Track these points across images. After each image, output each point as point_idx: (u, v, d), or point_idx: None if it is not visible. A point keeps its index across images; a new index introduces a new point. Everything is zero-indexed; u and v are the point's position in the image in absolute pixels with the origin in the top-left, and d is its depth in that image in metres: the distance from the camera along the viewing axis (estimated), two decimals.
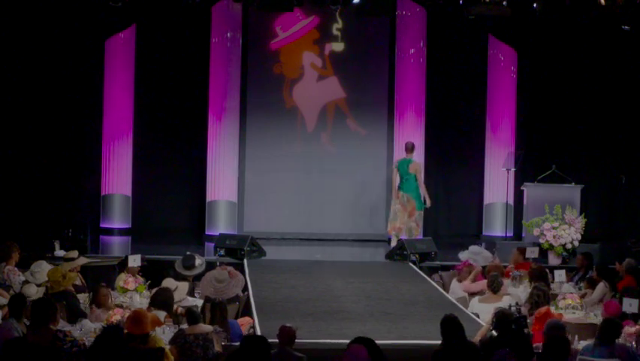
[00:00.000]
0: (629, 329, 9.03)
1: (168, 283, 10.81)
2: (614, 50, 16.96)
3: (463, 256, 13.19)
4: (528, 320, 9.47)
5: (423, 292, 12.09)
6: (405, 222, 15.07)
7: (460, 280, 12.28)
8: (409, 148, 15.18)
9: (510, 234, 16.23)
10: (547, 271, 12.52)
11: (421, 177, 15.19)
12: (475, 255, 13.06)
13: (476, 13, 15.12)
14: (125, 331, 7.93)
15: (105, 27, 16.39)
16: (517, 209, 16.34)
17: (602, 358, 8.07)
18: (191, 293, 11.11)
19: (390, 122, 17.06)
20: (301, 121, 17.28)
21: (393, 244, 14.90)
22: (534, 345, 8.58)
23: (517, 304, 10.48)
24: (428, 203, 15.19)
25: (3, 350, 7.70)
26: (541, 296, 10.26)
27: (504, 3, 14.88)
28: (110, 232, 16.49)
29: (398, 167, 15.20)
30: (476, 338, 8.71)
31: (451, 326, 7.98)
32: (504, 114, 17.06)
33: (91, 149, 16.71)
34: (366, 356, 7.06)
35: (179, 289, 10.63)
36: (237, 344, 8.09)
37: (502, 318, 8.49)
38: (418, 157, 16.36)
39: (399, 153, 16.65)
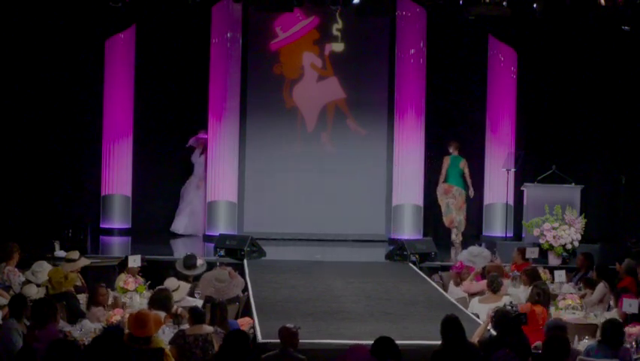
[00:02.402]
0: (630, 329, 9.02)
1: (170, 282, 10.80)
2: (614, 50, 16.95)
3: (461, 257, 13.19)
4: None
5: (423, 293, 12.08)
6: (455, 215, 15.99)
7: (459, 283, 12.24)
8: (456, 146, 16.10)
9: (510, 234, 16.21)
10: (547, 270, 12.54)
11: (468, 171, 16.15)
12: (473, 256, 13.03)
13: (476, 13, 15.13)
14: (127, 331, 7.92)
15: (105, 27, 16.38)
16: (517, 209, 16.32)
17: (606, 358, 8.05)
18: (190, 294, 11.10)
19: (390, 122, 17.05)
20: (301, 121, 17.27)
21: (454, 237, 16.01)
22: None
23: (511, 303, 10.46)
24: (471, 193, 16.15)
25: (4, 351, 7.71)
26: (541, 295, 10.25)
27: (504, 3, 14.88)
28: (109, 232, 16.47)
29: (450, 163, 16.03)
30: (474, 338, 8.70)
31: (452, 326, 7.99)
32: (504, 114, 17.05)
33: (91, 149, 16.71)
34: (368, 355, 7.08)
35: (180, 289, 10.62)
36: None
37: (501, 317, 8.50)
38: (419, 157, 16.46)
39: (399, 153, 16.75)
